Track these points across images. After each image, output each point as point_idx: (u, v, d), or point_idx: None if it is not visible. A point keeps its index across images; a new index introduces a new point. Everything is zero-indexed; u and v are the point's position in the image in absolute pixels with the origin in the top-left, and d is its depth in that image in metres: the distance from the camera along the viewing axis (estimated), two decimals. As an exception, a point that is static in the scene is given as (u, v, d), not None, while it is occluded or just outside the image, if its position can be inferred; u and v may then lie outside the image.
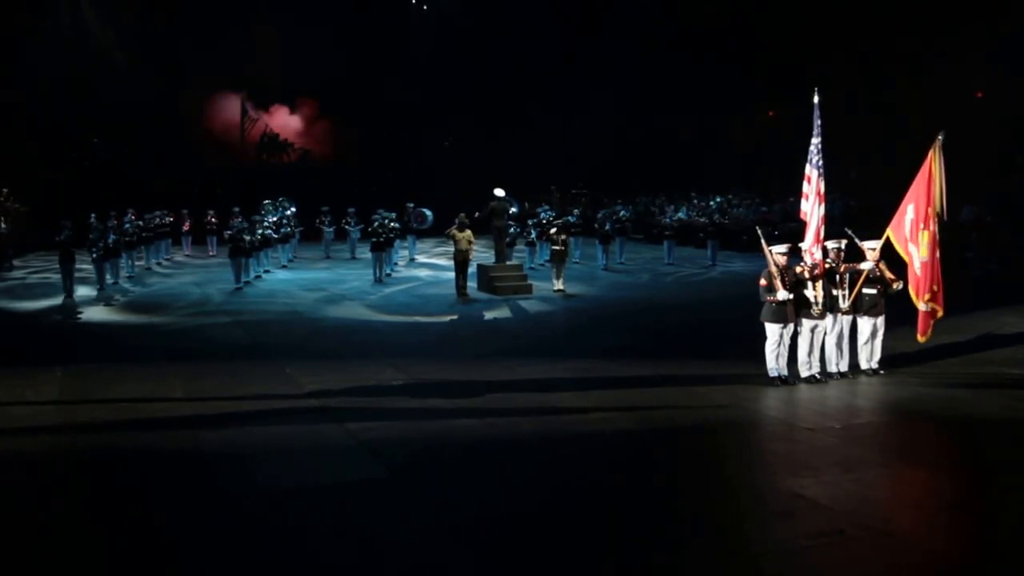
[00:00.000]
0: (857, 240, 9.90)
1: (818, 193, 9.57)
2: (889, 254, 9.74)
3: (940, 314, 9.73)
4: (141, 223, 20.93)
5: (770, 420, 8.39)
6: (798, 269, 9.36)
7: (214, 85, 31.92)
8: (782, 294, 9.09)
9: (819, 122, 9.63)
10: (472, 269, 16.86)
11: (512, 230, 19.27)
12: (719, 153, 29.67)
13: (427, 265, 21.67)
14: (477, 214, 16.85)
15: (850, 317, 9.69)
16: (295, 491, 6.52)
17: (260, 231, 18.74)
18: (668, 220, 22.99)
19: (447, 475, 6.89)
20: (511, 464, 7.14)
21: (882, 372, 9.74)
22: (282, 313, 14.81)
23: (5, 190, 22.52)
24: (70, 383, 9.81)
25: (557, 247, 17.21)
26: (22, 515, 6.29)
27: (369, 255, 19.06)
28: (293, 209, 22.43)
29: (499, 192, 17.19)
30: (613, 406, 8.58)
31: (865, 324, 9.73)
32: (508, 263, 17.50)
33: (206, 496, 6.52)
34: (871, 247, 9.69)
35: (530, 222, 20.97)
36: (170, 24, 31.19)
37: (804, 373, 9.44)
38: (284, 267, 20.92)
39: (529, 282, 16.83)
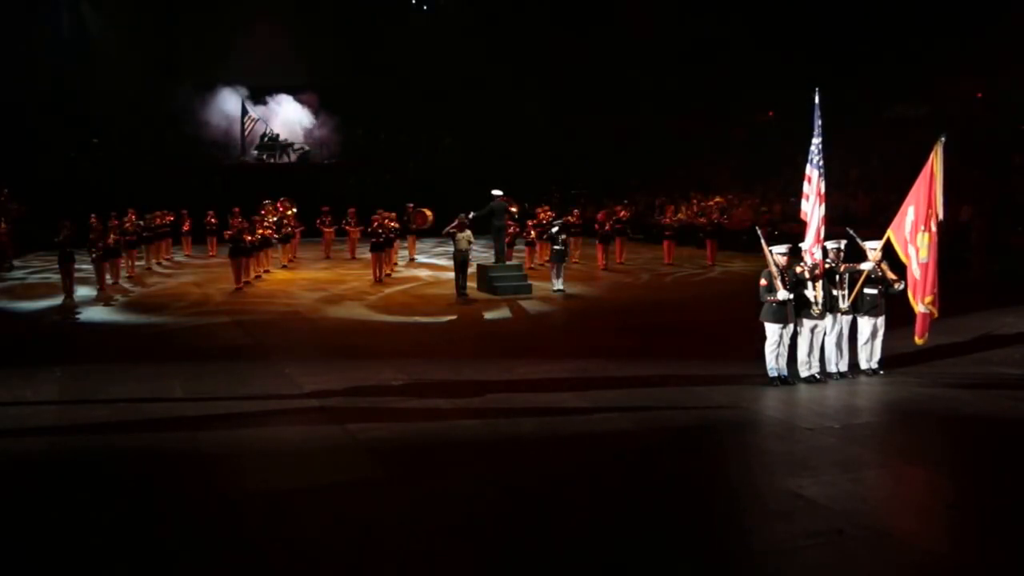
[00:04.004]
0: (858, 240, 9.90)
1: (818, 193, 9.56)
2: (891, 254, 9.74)
3: (935, 315, 9.73)
4: (141, 223, 20.93)
5: (770, 420, 8.38)
6: (798, 269, 9.36)
7: (214, 84, 31.94)
8: (782, 294, 9.10)
9: (819, 122, 9.62)
10: (472, 269, 16.86)
11: (511, 230, 19.27)
12: (719, 153, 29.68)
13: (427, 265, 21.68)
14: (472, 214, 16.81)
15: (850, 317, 9.69)
16: (295, 491, 6.53)
17: (260, 231, 18.74)
18: (668, 220, 22.97)
19: (446, 475, 6.88)
20: (511, 464, 7.14)
21: (882, 372, 9.73)
22: (282, 313, 14.80)
23: (6, 190, 22.52)
24: (70, 383, 9.81)
25: (557, 247, 17.21)
26: (22, 515, 6.29)
27: (369, 255, 19.08)
28: (294, 210, 22.44)
29: (498, 192, 17.20)
30: (613, 406, 8.58)
31: (865, 324, 9.72)
32: (508, 263, 17.51)
33: (205, 496, 6.52)
34: (872, 247, 9.69)
35: (530, 222, 20.97)
36: (169, 23, 31.28)
37: (804, 373, 9.44)
38: (284, 267, 20.94)
39: (529, 282, 16.83)
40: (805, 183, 9.79)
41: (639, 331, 13.06)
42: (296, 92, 33.41)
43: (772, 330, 9.26)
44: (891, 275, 9.69)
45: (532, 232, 20.71)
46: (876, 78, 25.55)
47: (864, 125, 25.29)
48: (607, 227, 20.86)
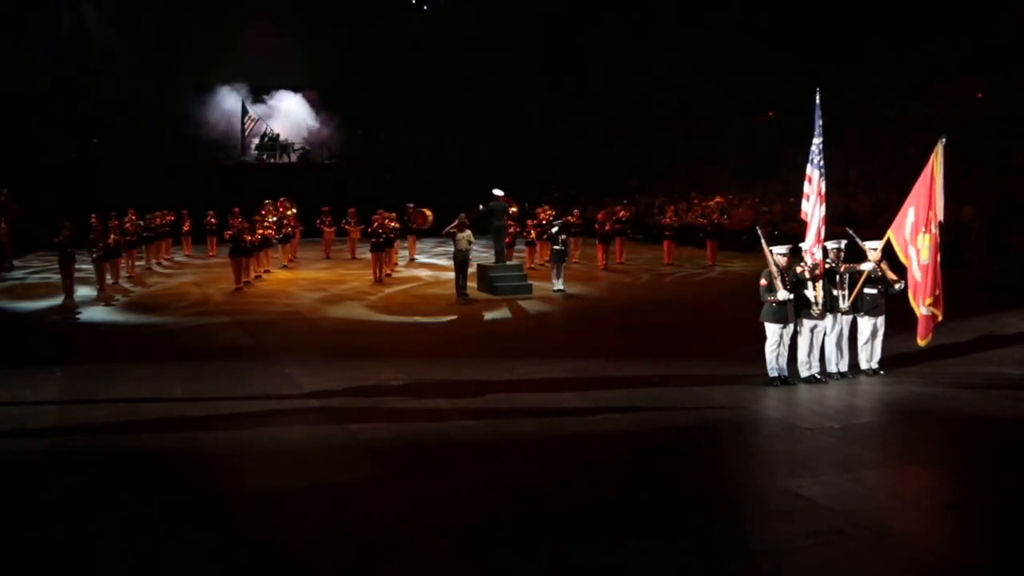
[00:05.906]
0: (858, 240, 9.90)
1: (819, 193, 9.56)
2: (891, 254, 9.74)
3: (940, 318, 9.72)
4: (141, 223, 20.93)
5: (770, 420, 8.38)
6: (798, 269, 9.36)
7: (214, 84, 31.95)
8: (782, 294, 9.10)
9: (820, 122, 9.63)
10: (472, 269, 16.87)
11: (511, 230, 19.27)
12: (719, 153, 29.68)
13: (427, 265, 21.68)
14: (481, 207, 16.87)
15: (850, 317, 9.69)
16: (294, 491, 6.53)
17: (260, 231, 18.74)
18: (668, 220, 22.96)
19: (446, 476, 6.88)
20: (510, 465, 7.13)
21: (882, 372, 9.73)
22: (282, 313, 14.80)
23: (5, 190, 22.51)
24: (70, 383, 9.81)
25: (557, 247, 17.20)
26: (21, 515, 6.29)
27: (369, 255, 19.08)
28: (294, 210, 22.44)
29: (498, 192, 17.21)
30: (613, 406, 8.58)
31: (865, 324, 9.72)
32: (508, 263, 17.51)
33: (205, 496, 6.52)
34: (872, 247, 9.69)
35: (530, 222, 20.96)
36: (169, 23, 31.27)
37: (804, 373, 9.44)
38: (284, 267, 20.94)
39: (529, 282, 16.83)
40: (805, 183, 9.79)
41: (639, 331, 13.06)
42: (297, 90, 33.41)
43: (772, 330, 9.26)
44: (891, 275, 9.69)
45: (532, 232, 20.70)
46: (876, 78, 25.54)
47: (864, 125, 25.28)
48: (607, 227, 20.84)
